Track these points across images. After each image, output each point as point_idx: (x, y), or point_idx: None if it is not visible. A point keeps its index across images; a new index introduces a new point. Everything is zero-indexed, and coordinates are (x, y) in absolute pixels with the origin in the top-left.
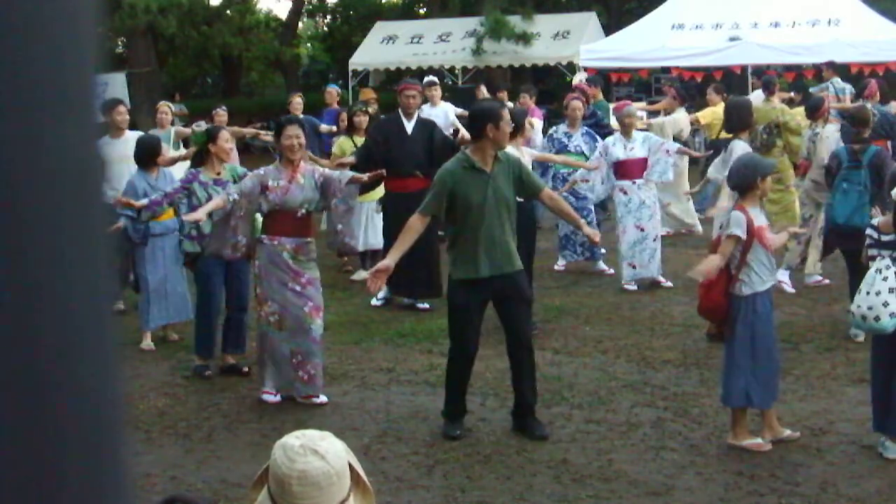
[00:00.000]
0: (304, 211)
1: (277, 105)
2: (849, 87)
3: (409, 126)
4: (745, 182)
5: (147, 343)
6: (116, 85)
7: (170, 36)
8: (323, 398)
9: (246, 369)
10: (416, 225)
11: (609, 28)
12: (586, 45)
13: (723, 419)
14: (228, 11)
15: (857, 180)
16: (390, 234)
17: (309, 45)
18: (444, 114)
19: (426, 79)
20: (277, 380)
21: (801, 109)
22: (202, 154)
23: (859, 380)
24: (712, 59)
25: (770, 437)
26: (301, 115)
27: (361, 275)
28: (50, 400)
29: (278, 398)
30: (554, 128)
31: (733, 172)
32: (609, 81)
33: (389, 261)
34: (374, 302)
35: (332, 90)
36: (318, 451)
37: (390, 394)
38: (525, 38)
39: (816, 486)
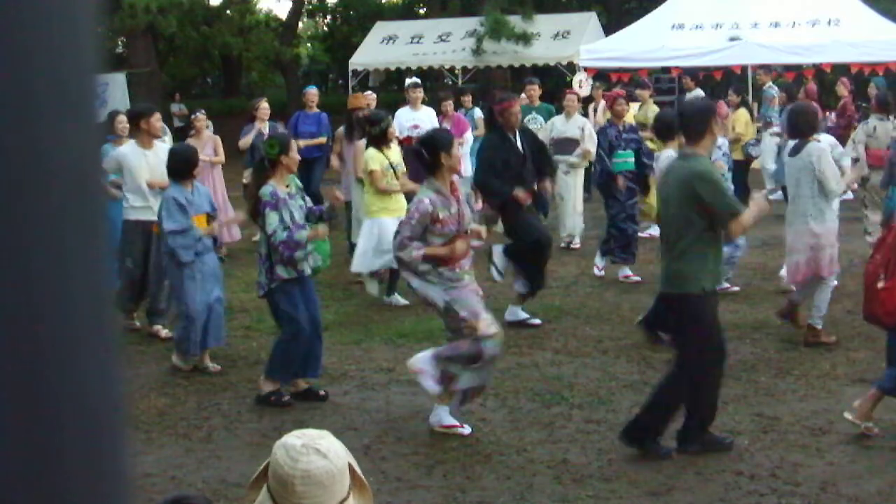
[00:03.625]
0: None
1: (278, 105)
2: (776, 90)
3: (519, 143)
4: None
5: (185, 362)
6: (116, 85)
7: (170, 36)
8: None
9: (323, 392)
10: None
11: (609, 28)
12: (586, 45)
13: (722, 419)
14: (228, 11)
15: None
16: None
17: (309, 45)
18: (429, 118)
19: (409, 80)
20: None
21: (742, 111)
22: (268, 166)
23: (859, 380)
24: (712, 59)
25: None
26: (268, 122)
27: (373, 289)
28: (50, 400)
29: None
30: (721, 143)
31: None
32: (609, 81)
33: None
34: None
35: (312, 91)
36: (321, 450)
37: (390, 394)
38: (525, 38)
39: (816, 486)
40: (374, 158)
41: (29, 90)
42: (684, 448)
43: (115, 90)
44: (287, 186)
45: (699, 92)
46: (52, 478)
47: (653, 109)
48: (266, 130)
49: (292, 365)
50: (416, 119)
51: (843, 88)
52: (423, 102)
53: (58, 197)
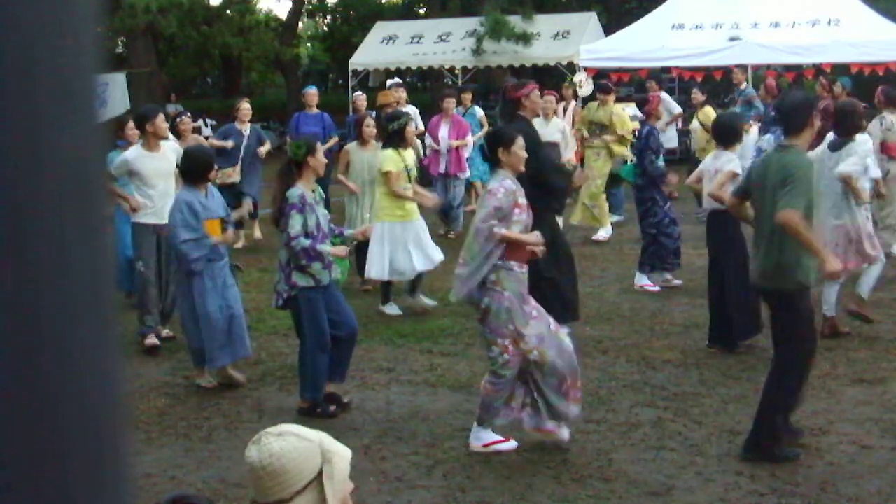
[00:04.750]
0: None
1: (278, 105)
2: (751, 90)
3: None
4: None
5: (208, 380)
6: (116, 85)
7: (170, 36)
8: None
9: (347, 400)
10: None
11: (609, 28)
12: (586, 45)
13: (722, 419)
14: (228, 11)
15: None
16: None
17: (309, 45)
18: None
19: (390, 81)
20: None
21: (708, 109)
22: (294, 169)
23: (859, 380)
24: (712, 59)
25: None
26: (249, 124)
27: (393, 309)
28: (50, 400)
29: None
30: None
31: None
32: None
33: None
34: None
35: (312, 92)
36: (261, 443)
37: (390, 394)
38: (525, 38)
39: (816, 486)
40: (390, 159)
41: (30, 91)
42: (788, 438)
43: (115, 90)
44: (313, 192)
45: (664, 95)
46: (52, 478)
47: (616, 110)
48: (246, 132)
49: (322, 377)
50: None
51: (821, 89)
52: (404, 103)
53: (58, 197)
